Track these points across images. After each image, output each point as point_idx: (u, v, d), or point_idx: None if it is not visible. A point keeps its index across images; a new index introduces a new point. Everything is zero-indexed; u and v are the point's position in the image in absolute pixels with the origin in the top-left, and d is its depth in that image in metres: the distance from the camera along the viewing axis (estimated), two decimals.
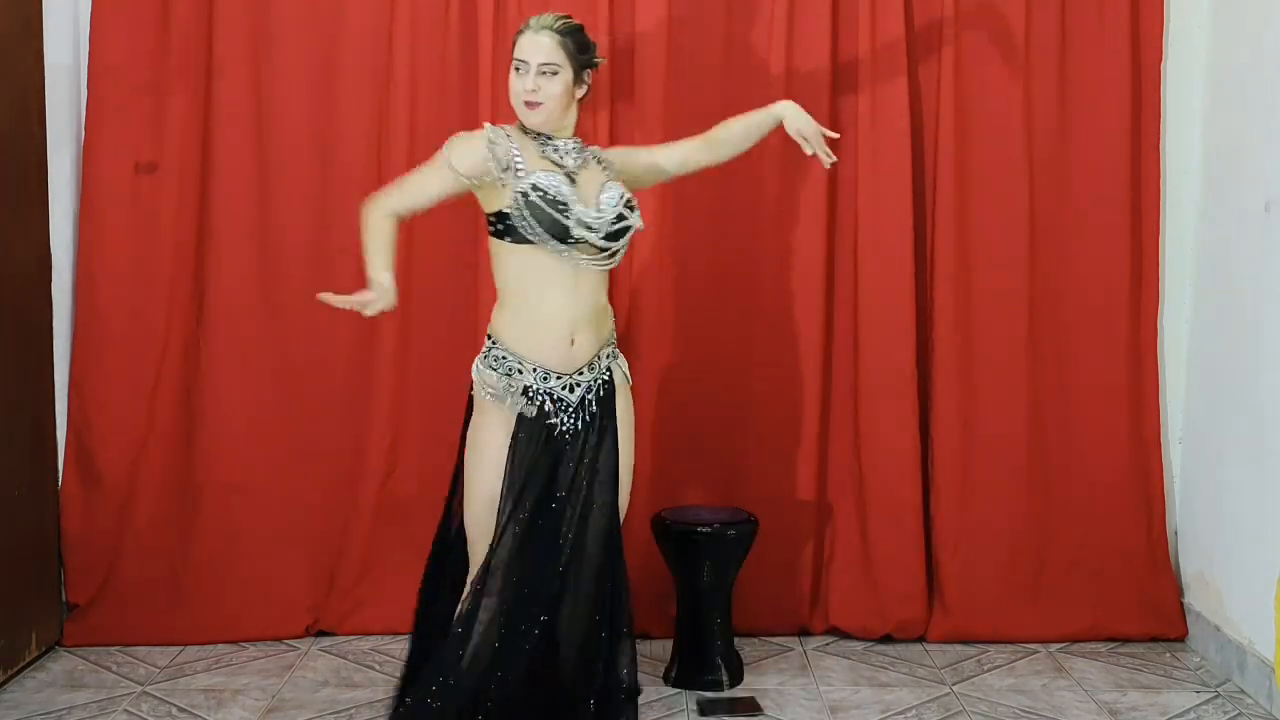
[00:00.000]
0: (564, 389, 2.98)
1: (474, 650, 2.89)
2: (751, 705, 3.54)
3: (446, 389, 4.08)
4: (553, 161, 2.98)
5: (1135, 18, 4.04)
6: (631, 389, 3.16)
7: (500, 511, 2.93)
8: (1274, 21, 3.66)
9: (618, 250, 3.02)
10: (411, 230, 4.02)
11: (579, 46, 2.98)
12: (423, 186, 3.02)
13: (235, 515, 4.05)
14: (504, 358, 2.98)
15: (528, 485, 2.93)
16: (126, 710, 3.51)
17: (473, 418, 3.04)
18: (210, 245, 4.04)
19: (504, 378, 2.96)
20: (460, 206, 4.01)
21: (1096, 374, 4.11)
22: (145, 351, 4.01)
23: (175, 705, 3.55)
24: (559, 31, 2.95)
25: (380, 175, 4.02)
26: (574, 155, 3.02)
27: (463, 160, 2.93)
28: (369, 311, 2.96)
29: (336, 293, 2.95)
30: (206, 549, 4.04)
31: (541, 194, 2.89)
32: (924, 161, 4.06)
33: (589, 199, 2.97)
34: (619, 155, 3.21)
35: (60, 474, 3.97)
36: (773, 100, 3.93)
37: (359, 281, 4.03)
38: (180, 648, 3.94)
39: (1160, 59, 4.07)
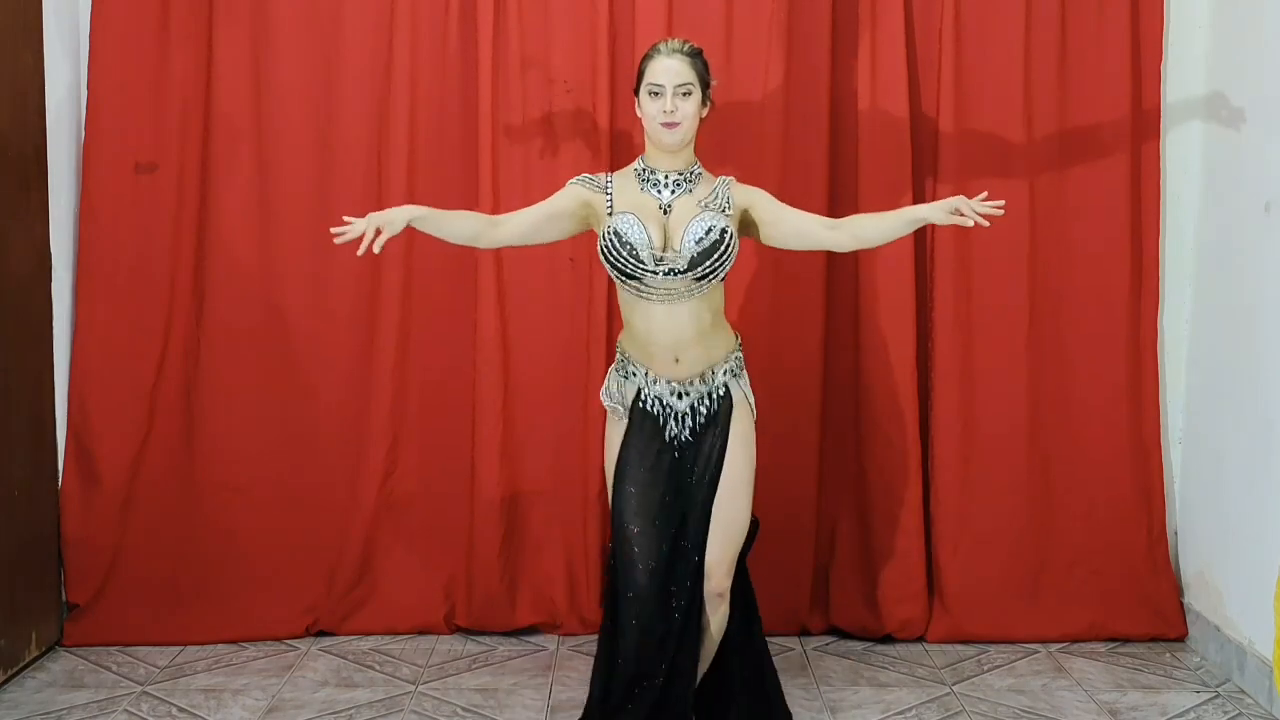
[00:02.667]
0: (673, 395, 3.13)
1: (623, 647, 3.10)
2: None
3: (446, 389, 4.10)
4: (651, 196, 3.11)
5: (1135, 18, 4.04)
6: (756, 423, 3.22)
7: (616, 501, 3.15)
8: (1274, 21, 3.66)
9: (701, 285, 3.08)
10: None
11: (705, 67, 3.15)
12: (535, 208, 3.19)
13: (235, 515, 4.06)
14: (624, 362, 3.20)
15: (640, 476, 3.11)
16: (126, 710, 3.51)
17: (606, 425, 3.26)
18: (210, 245, 4.04)
19: (621, 380, 3.19)
20: (459, 203, 4.03)
21: (1096, 374, 4.11)
22: (145, 351, 4.01)
23: (175, 705, 3.55)
24: (688, 54, 3.12)
25: (380, 175, 4.04)
26: (673, 187, 3.13)
27: (573, 193, 3.15)
28: (374, 229, 3.02)
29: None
30: (206, 549, 4.04)
31: (616, 238, 3.07)
32: (923, 161, 4.06)
33: (675, 234, 3.07)
34: (746, 195, 3.18)
35: (60, 474, 3.97)
36: (766, 102, 3.97)
37: (358, 281, 4.08)
38: (180, 648, 3.94)
39: (1160, 59, 4.07)
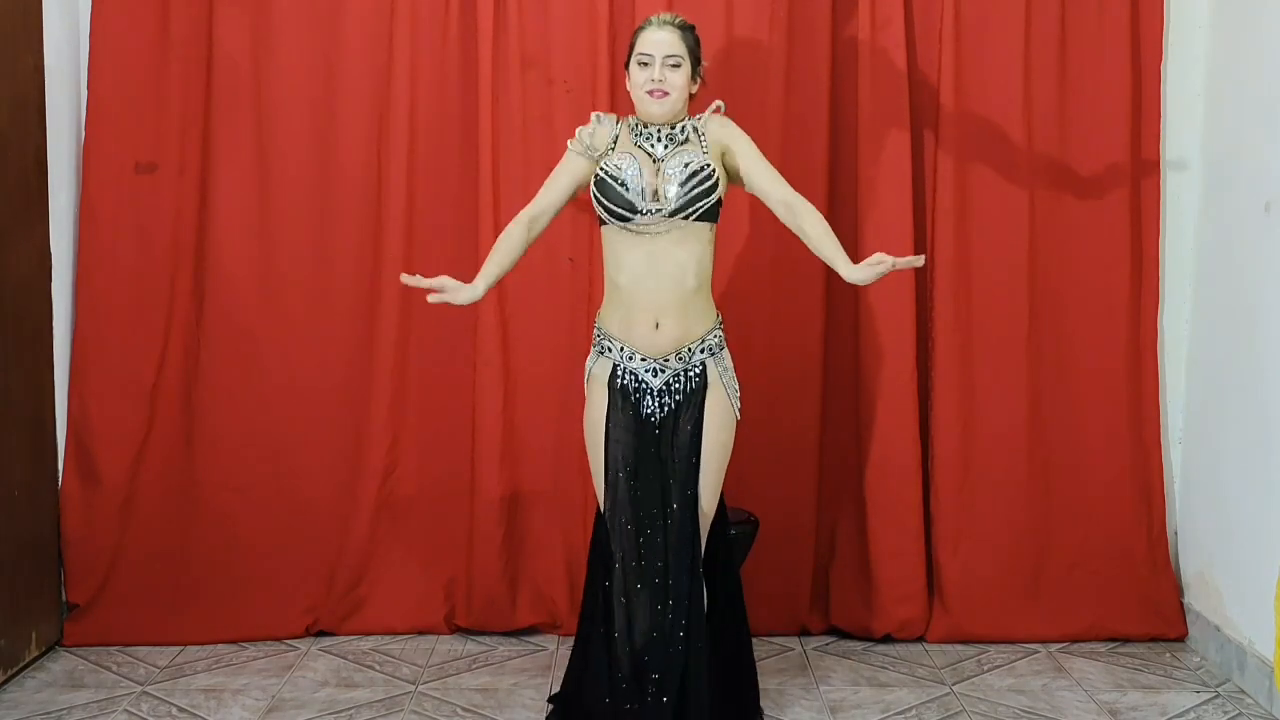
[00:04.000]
0: (648, 372, 3.14)
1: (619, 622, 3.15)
2: None
3: (446, 389, 4.10)
4: (645, 150, 3.14)
5: (1135, 18, 4.04)
6: (738, 420, 3.24)
7: (602, 484, 3.20)
8: (1274, 21, 3.66)
9: (688, 218, 3.09)
10: (411, 229, 4.04)
11: (695, 42, 3.19)
12: (553, 179, 3.24)
13: (235, 515, 4.06)
14: (600, 337, 3.22)
15: (622, 458, 3.16)
16: (126, 710, 3.51)
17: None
18: (210, 245, 4.04)
19: (597, 356, 3.21)
20: (462, 206, 4.04)
21: (1096, 374, 4.11)
22: (145, 351, 4.01)
23: (175, 705, 3.55)
24: (679, 27, 3.17)
25: (380, 175, 4.04)
26: (666, 142, 3.15)
27: (580, 139, 3.20)
28: (442, 298, 3.12)
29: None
30: (206, 549, 4.04)
31: (609, 174, 3.11)
32: (924, 161, 4.06)
33: (661, 178, 3.10)
34: (724, 132, 3.20)
35: (60, 474, 3.97)
36: (768, 96, 3.97)
37: (358, 283, 4.08)
38: (180, 648, 3.94)
39: (1160, 59, 4.07)
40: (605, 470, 3.19)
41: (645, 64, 3.12)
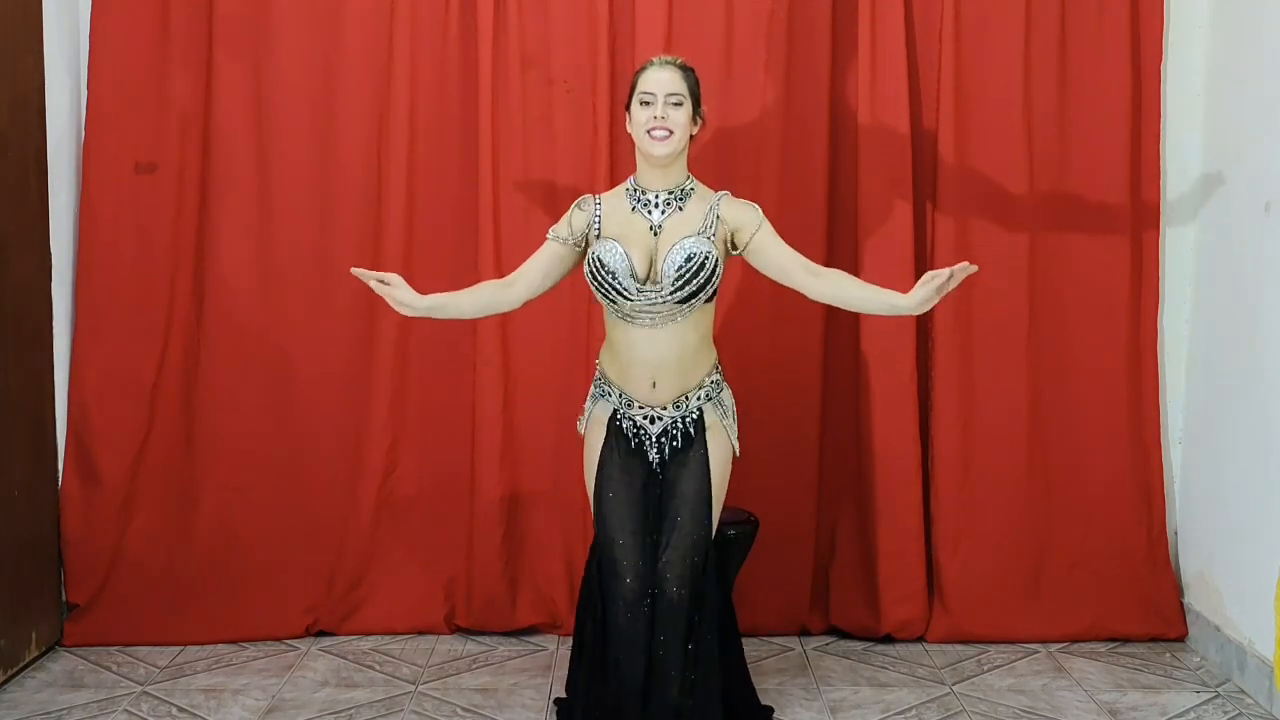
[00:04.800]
0: (645, 419, 3.15)
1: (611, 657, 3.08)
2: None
3: (446, 389, 4.10)
4: (641, 217, 3.12)
5: (1135, 18, 4.04)
6: (735, 458, 3.23)
7: (598, 510, 3.15)
8: (1274, 21, 3.66)
9: (684, 310, 3.08)
10: (411, 229, 4.04)
11: (696, 83, 3.17)
12: (529, 262, 3.23)
13: (235, 515, 4.06)
14: (600, 381, 3.23)
15: (620, 485, 3.13)
16: (126, 710, 3.51)
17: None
18: (210, 245, 4.04)
19: (597, 399, 3.22)
20: (462, 206, 4.04)
21: (1096, 374, 4.11)
22: (145, 351, 4.01)
23: (175, 705, 3.55)
24: (680, 67, 3.15)
25: (380, 175, 4.04)
26: (663, 206, 3.13)
27: (560, 228, 3.19)
28: (385, 290, 3.09)
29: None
30: (206, 549, 4.04)
31: (599, 264, 3.09)
32: (923, 161, 4.06)
33: (660, 258, 3.07)
34: (741, 217, 3.16)
35: (60, 474, 3.97)
36: (765, 109, 3.97)
37: (358, 283, 4.06)
38: (180, 648, 3.94)
39: (1160, 59, 4.07)
40: (600, 504, 3.15)
41: (647, 103, 3.09)
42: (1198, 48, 4.07)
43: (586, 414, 3.25)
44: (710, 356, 3.22)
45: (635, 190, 3.16)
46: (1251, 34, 3.79)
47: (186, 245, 4.01)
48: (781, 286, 4.00)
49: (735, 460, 3.24)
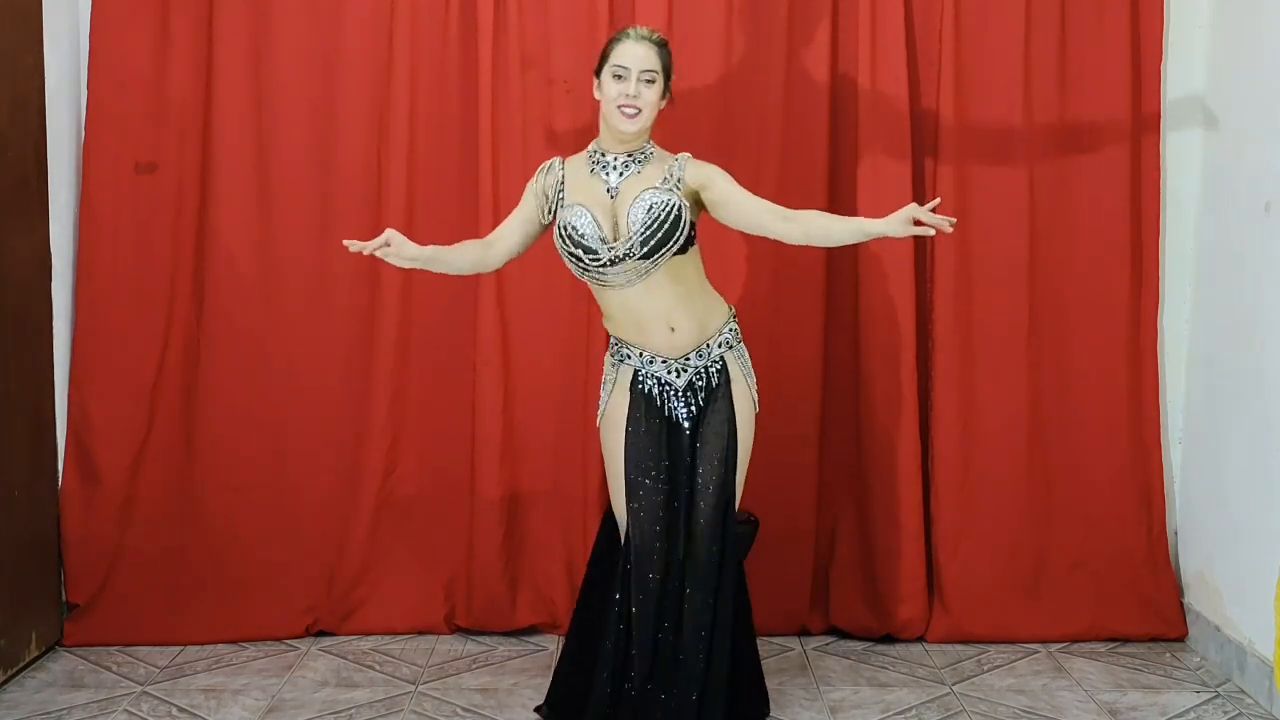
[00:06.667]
0: (670, 373, 3.15)
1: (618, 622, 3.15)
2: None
3: (446, 389, 4.10)
4: (600, 179, 3.12)
5: (1135, 18, 4.04)
6: (757, 415, 3.25)
7: (623, 491, 3.16)
8: (1274, 21, 3.66)
9: (655, 262, 3.08)
10: (411, 229, 4.01)
11: (669, 58, 3.18)
12: (512, 217, 3.25)
13: (235, 515, 4.06)
14: (617, 345, 3.23)
15: (644, 463, 3.14)
16: (126, 710, 3.51)
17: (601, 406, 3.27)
18: (210, 245, 4.04)
19: (617, 364, 3.22)
20: (462, 206, 4.04)
21: (1096, 374, 4.11)
22: (145, 352, 4.01)
23: (175, 705, 3.55)
24: (656, 43, 3.14)
25: (380, 174, 4.04)
26: (621, 169, 3.13)
27: (536, 178, 3.22)
28: (386, 252, 3.07)
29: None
30: (206, 549, 4.04)
31: (570, 230, 3.10)
32: (923, 161, 4.06)
33: (621, 217, 3.08)
34: (699, 173, 3.15)
35: (60, 474, 3.97)
36: (769, 108, 3.97)
37: (358, 281, 4.08)
38: (180, 648, 3.94)
39: (1160, 59, 4.07)
40: (625, 473, 3.17)
41: (620, 77, 3.09)
42: (1198, 48, 4.07)
43: (606, 379, 3.24)
44: (721, 304, 3.24)
45: (596, 153, 3.17)
46: (1251, 34, 3.79)
47: (186, 245, 4.01)
48: (781, 286, 4.04)
49: (757, 416, 3.26)
